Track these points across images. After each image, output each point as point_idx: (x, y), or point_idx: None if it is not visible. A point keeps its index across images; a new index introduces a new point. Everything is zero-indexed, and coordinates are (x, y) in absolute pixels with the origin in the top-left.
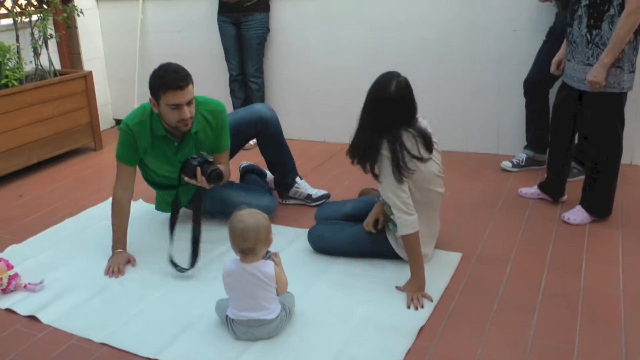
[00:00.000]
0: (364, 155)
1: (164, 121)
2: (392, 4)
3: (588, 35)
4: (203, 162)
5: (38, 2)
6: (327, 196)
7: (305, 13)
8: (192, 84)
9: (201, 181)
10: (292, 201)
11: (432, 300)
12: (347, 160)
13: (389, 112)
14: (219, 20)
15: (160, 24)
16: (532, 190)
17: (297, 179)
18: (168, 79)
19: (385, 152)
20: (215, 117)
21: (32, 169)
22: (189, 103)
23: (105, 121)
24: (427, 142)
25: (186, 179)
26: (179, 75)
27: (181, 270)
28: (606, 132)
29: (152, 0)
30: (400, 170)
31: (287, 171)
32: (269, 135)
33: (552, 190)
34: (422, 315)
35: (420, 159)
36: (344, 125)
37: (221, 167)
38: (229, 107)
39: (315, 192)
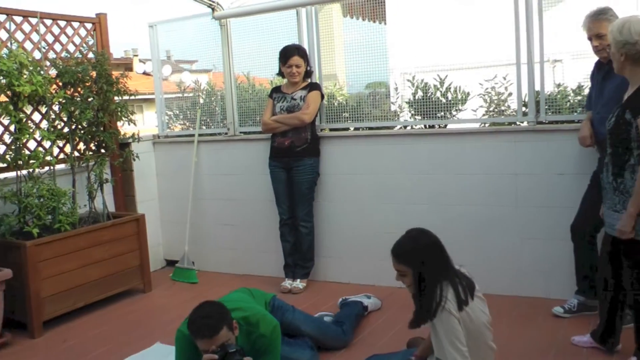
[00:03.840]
0: (422, 314)
1: None
2: (438, 150)
3: (614, 183)
4: (224, 354)
5: (96, 147)
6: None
7: (354, 159)
8: (227, 326)
9: None
10: None
11: None
12: (395, 306)
13: (433, 259)
14: (270, 165)
15: (214, 167)
16: (585, 338)
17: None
18: (196, 327)
19: (439, 301)
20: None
21: (79, 311)
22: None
23: (155, 262)
24: (470, 285)
25: None
26: (209, 323)
27: None
28: None
29: (206, 143)
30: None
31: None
32: None
33: (606, 339)
34: None
35: (466, 302)
36: (392, 268)
37: None
38: (279, 252)
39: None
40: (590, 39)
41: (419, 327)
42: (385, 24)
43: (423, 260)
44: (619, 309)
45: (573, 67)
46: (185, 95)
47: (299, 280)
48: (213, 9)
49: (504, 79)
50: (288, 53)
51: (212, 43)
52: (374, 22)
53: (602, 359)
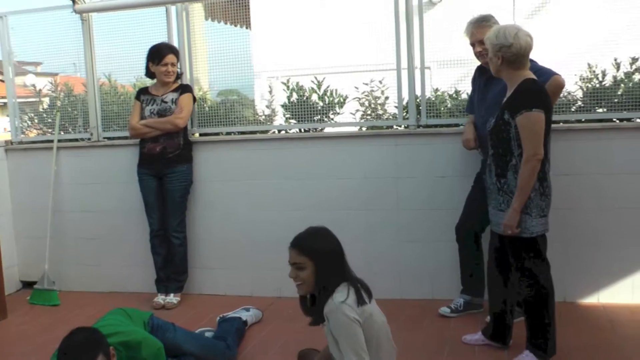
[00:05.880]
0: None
1: None
2: (317, 154)
3: (498, 184)
4: None
5: None
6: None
7: (228, 164)
8: (102, 354)
9: None
10: None
11: None
12: (278, 317)
13: (335, 255)
14: (139, 173)
15: (76, 175)
16: (476, 336)
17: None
18: (67, 358)
19: (338, 303)
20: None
21: None
22: None
23: (10, 284)
24: (365, 287)
25: None
26: (81, 353)
27: None
28: (530, 274)
29: (66, 150)
30: (359, 296)
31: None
32: None
33: (497, 335)
34: None
35: (366, 302)
36: (271, 278)
37: None
38: (150, 265)
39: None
40: (473, 44)
41: (319, 324)
42: (249, 28)
43: (326, 253)
44: (508, 306)
45: (440, 74)
46: (42, 98)
47: (172, 294)
48: (74, 2)
49: (380, 82)
50: (162, 51)
51: (74, 40)
52: (235, 26)
53: (495, 355)
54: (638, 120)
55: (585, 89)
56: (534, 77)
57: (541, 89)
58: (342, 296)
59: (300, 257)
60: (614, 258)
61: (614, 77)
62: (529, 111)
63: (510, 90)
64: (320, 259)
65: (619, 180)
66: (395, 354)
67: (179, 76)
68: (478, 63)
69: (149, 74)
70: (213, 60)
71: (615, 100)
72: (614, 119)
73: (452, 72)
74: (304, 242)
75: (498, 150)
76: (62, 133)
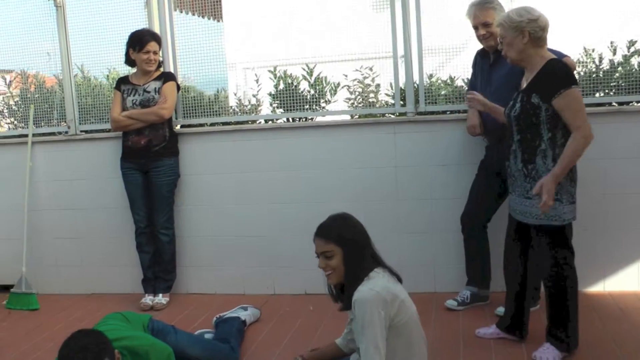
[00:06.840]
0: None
1: None
2: (310, 143)
3: (524, 170)
4: None
5: None
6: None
7: (217, 156)
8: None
9: None
10: None
11: None
12: (275, 316)
13: (363, 240)
14: (123, 167)
15: (53, 171)
16: (490, 329)
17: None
18: None
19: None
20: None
21: None
22: None
23: None
24: (396, 274)
25: None
26: (86, 357)
27: None
28: (555, 263)
29: (42, 144)
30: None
31: None
32: None
33: (514, 327)
34: None
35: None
36: (264, 274)
37: None
38: (135, 265)
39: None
40: (476, 27)
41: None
42: (219, 19)
43: (353, 238)
44: (527, 297)
45: (432, 61)
46: (12, 90)
47: (161, 295)
48: None
49: (371, 70)
50: (144, 38)
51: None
52: (204, 17)
53: (513, 349)
54: (637, 103)
55: (582, 74)
56: (554, 56)
57: (570, 67)
58: (375, 283)
59: (327, 245)
60: (619, 245)
61: (611, 61)
62: (568, 89)
63: (531, 72)
64: (348, 245)
65: (622, 164)
66: (426, 348)
67: (160, 64)
68: (468, 48)
69: (129, 61)
70: (184, 52)
71: (613, 83)
72: (613, 103)
73: (442, 58)
74: (329, 229)
75: (526, 136)
76: (35, 127)
